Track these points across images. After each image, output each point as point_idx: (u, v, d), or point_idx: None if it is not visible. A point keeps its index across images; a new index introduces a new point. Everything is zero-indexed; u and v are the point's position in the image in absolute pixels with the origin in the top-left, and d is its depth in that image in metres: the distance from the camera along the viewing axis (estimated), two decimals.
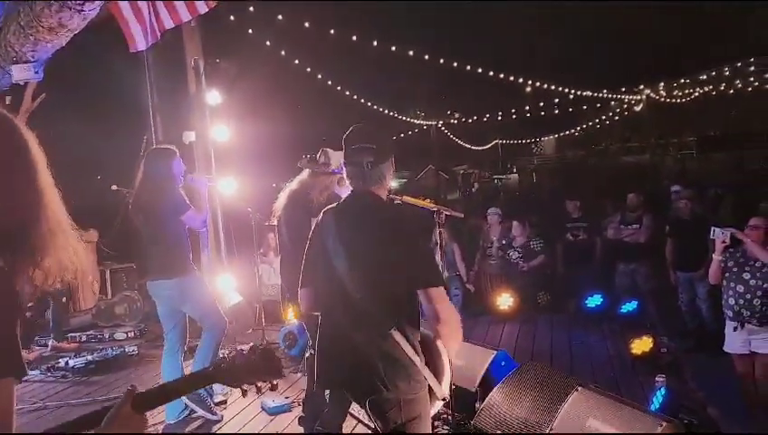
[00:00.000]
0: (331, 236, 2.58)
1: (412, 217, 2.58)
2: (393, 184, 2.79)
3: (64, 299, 7.37)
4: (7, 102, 4.95)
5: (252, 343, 1.69)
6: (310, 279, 2.68)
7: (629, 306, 6.98)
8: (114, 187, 7.20)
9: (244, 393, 1.86)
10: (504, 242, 8.38)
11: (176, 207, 4.45)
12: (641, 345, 5.67)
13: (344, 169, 2.63)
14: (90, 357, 6.36)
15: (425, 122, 33.25)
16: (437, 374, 2.48)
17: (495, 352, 4.69)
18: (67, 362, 6.24)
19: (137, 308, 8.32)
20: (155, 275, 4.52)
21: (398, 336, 2.40)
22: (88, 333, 7.66)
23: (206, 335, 4.68)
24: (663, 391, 4.32)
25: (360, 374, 2.42)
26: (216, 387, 5.37)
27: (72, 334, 7.52)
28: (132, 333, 7.75)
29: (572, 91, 24.05)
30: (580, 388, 3.87)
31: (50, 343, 7.17)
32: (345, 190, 2.84)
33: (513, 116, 29.64)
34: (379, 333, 2.39)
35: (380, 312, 2.40)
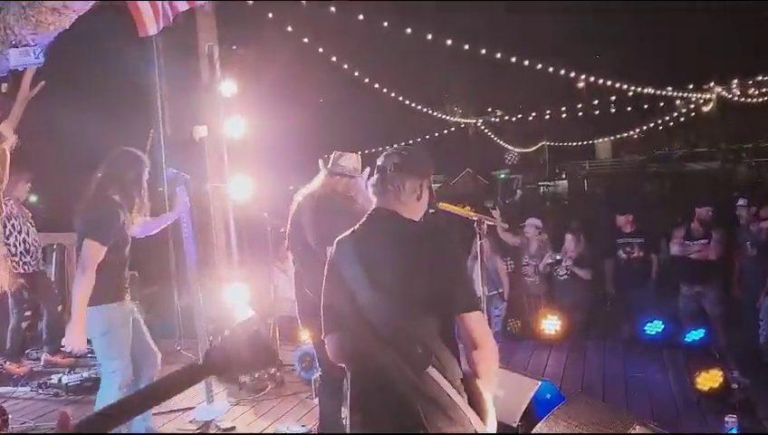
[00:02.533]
0: (351, 267, 2.55)
1: (444, 232, 2.54)
2: None
3: (59, 308, 7.45)
4: (3, 90, 5.05)
5: (234, 329, 1.67)
6: (333, 323, 2.62)
7: (696, 334, 6.85)
8: None
9: (241, 386, 1.84)
10: (555, 259, 8.30)
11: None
12: (709, 380, 5.55)
13: (371, 182, 2.67)
14: (86, 374, 6.41)
15: (462, 120, 33.29)
16: (481, 412, 2.46)
17: (540, 382, 4.63)
18: (60, 379, 6.30)
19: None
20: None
21: (435, 374, 2.40)
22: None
23: (102, 387, 4.52)
24: (734, 433, 4.21)
25: (397, 419, 2.42)
26: (221, 408, 5.39)
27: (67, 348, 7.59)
28: None
29: (632, 88, 23.80)
30: (638, 427, 3.80)
31: (42, 356, 7.25)
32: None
33: (564, 115, 29.47)
34: (416, 372, 2.40)
35: (414, 348, 2.41)
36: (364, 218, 2.66)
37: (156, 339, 4.81)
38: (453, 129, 32.50)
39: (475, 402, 2.47)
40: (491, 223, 3.55)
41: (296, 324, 7.55)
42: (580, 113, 28.98)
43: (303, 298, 4.29)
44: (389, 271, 2.46)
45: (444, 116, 30.12)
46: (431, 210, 3.64)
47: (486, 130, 34.42)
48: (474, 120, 33.94)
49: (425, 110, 25.68)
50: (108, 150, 4.72)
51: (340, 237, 2.67)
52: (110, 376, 4.42)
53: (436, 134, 31.65)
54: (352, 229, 2.66)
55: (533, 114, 30.02)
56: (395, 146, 2.74)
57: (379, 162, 2.66)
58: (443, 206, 3.34)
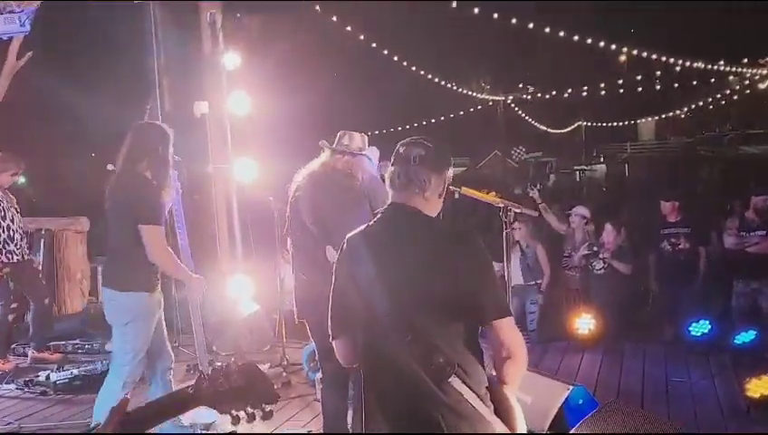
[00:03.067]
0: (364, 266, 2.54)
1: (470, 233, 2.56)
2: (450, 173, 2.78)
3: (47, 301, 7.52)
4: None
5: (228, 362, 1.69)
6: (343, 326, 2.65)
7: (746, 336, 6.78)
8: (111, 166, 7.34)
9: (236, 421, 1.88)
10: (591, 250, 8.27)
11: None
12: (761, 386, 5.51)
13: (388, 170, 2.66)
14: (75, 371, 6.49)
15: (490, 97, 33.12)
16: (509, 421, 2.47)
17: (571, 386, 4.62)
18: (48, 377, 6.37)
19: None
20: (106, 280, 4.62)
21: (458, 384, 2.41)
22: (74, 342, 7.82)
23: (108, 377, 4.63)
24: None
25: (416, 431, 2.44)
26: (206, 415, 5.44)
27: (56, 343, 7.66)
28: None
29: (679, 62, 23.51)
30: None
31: (29, 352, 7.35)
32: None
33: (603, 92, 29.21)
34: (436, 383, 2.41)
35: (435, 358, 2.41)
36: (379, 214, 2.65)
37: None
38: (480, 106, 32.34)
39: (503, 411, 2.48)
40: (518, 210, 3.54)
41: None
42: (621, 90, 28.69)
43: (299, 283, 4.33)
44: (410, 273, 2.46)
45: (470, 93, 29.94)
46: (456, 194, 3.64)
47: (517, 109, 34.19)
48: (503, 98, 33.71)
49: (449, 85, 25.53)
50: (101, 128, 4.75)
51: (350, 235, 2.66)
52: (118, 370, 4.52)
53: (461, 112, 31.51)
54: (365, 226, 2.65)
55: (569, 91, 29.75)
56: (414, 131, 2.71)
57: (401, 152, 2.62)
58: (465, 191, 3.34)
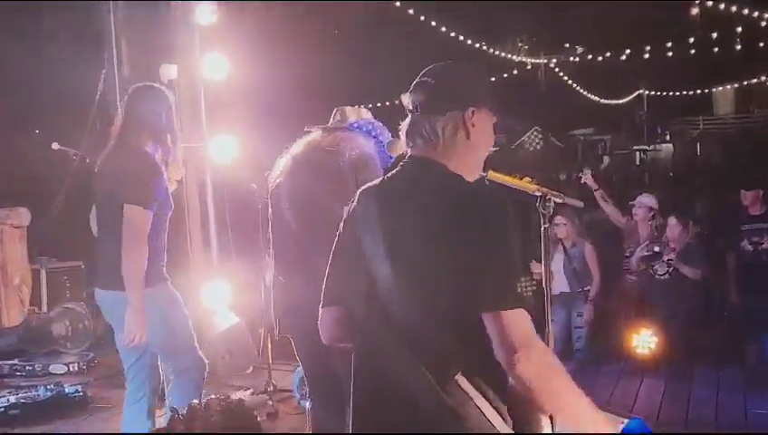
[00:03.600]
0: (371, 227, 2.57)
1: (496, 196, 2.53)
2: None
3: None
4: None
5: (212, 396, 1.70)
6: (336, 294, 2.70)
7: None
8: (56, 145, 7.36)
9: None
10: (652, 251, 8.25)
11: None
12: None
13: (402, 126, 2.67)
14: (12, 398, 6.50)
15: (529, 60, 33.01)
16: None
17: (626, 419, 4.62)
18: None
19: (84, 328, 8.51)
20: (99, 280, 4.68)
21: (466, 385, 2.39)
22: (11, 362, 7.87)
23: (175, 383, 4.76)
24: None
25: (408, 431, 2.45)
26: None
27: None
28: (76, 366, 7.93)
29: (765, 16, 23.34)
30: None
31: None
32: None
33: (670, 53, 29.06)
34: (439, 379, 2.39)
35: (441, 346, 2.41)
36: (398, 167, 2.67)
37: (105, 353, 4.91)
38: (516, 71, 32.21)
39: (525, 425, 2.48)
40: (559, 200, 3.52)
41: None
42: (693, 51, 28.54)
43: (277, 288, 4.39)
44: (417, 240, 2.46)
45: (504, 54, 29.88)
46: (484, 182, 3.62)
47: (562, 74, 34.06)
48: (544, 60, 33.60)
49: (477, 45, 25.47)
50: (44, 100, 4.79)
51: (364, 187, 2.71)
52: (184, 375, 4.73)
53: (493, 79, 31.42)
54: (381, 178, 2.69)
55: (627, 52, 29.60)
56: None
57: (404, 102, 2.63)
58: (492, 175, 3.32)
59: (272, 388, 6.71)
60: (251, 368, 7.47)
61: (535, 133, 35.57)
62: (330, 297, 2.72)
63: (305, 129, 4.44)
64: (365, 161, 4.08)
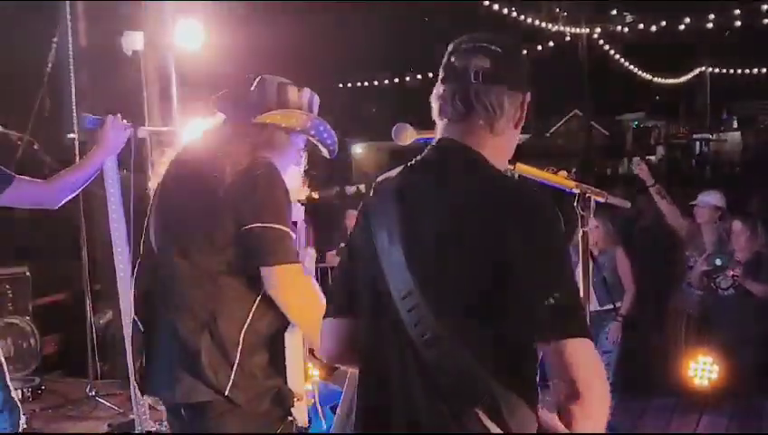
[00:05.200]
0: (387, 224, 2.56)
1: (548, 202, 2.49)
2: None
3: None
4: None
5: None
6: (341, 302, 2.71)
7: None
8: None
9: None
10: (713, 265, 8.22)
11: None
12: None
13: (437, 95, 2.63)
14: None
15: (568, 29, 32.98)
16: None
17: None
18: None
19: (29, 348, 8.51)
20: None
21: (485, 418, 2.37)
22: None
23: None
24: None
25: None
26: None
27: None
28: (19, 393, 7.92)
29: None
30: None
31: None
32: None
33: (738, 22, 29.04)
34: (455, 411, 2.39)
35: (464, 372, 2.39)
36: (425, 152, 2.66)
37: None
38: (551, 43, 32.25)
39: None
40: (601, 200, 3.50)
41: None
42: (766, 21, 28.50)
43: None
44: (442, 245, 2.45)
45: (538, 23, 29.91)
46: (513, 175, 3.59)
47: (607, 47, 34.06)
48: (586, 30, 33.55)
49: (505, 11, 25.51)
50: None
51: (382, 178, 2.71)
52: None
53: (525, 52, 31.36)
54: (404, 166, 2.67)
55: (687, 21, 29.60)
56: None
57: (454, 63, 2.59)
58: (521, 168, 3.30)
59: None
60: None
61: (574, 118, 35.62)
62: (333, 307, 2.74)
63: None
64: (248, 197, 3.62)
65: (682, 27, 29.93)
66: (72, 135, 7.31)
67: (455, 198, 2.49)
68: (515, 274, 2.34)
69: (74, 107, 7.19)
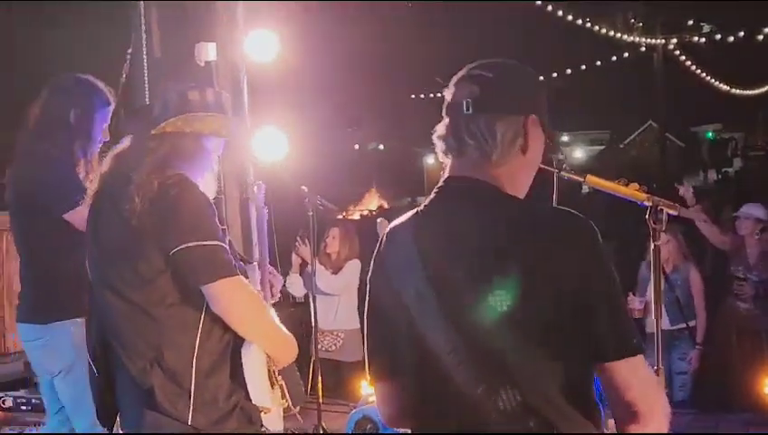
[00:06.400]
0: (410, 276, 2.46)
1: (585, 225, 2.42)
2: (578, 154, 2.74)
3: None
4: None
5: None
6: (386, 365, 2.62)
7: None
8: None
9: None
10: None
11: (62, 195, 4.73)
12: None
13: (438, 133, 2.58)
14: None
15: (643, 39, 32.69)
16: None
17: None
18: None
19: None
20: (23, 313, 4.96)
21: None
22: (16, 394, 7.98)
23: None
24: None
25: None
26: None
27: None
28: None
29: None
30: None
31: None
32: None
33: None
34: None
35: (524, 418, 2.34)
36: (433, 195, 2.56)
37: None
38: (627, 54, 31.98)
39: None
40: (674, 213, 3.48)
41: (350, 368, 7.56)
42: None
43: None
44: (483, 293, 2.34)
45: (613, 33, 29.66)
46: (584, 188, 3.57)
47: (684, 58, 33.68)
48: (662, 41, 33.21)
49: (579, 22, 25.35)
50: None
51: (393, 225, 2.62)
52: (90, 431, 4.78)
53: (599, 63, 31.25)
54: (415, 212, 2.58)
55: (765, 31, 29.15)
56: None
57: (447, 97, 2.54)
58: (591, 181, 3.29)
59: (321, 431, 6.72)
60: (298, 408, 7.48)
61: (649, 129, 35.24)
62: (378, 371, 2.67)
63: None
64: (161, 222, 3.50)
65: (760, 37, 29.49)
66: None
67: (482, 237, 2.41)
68: (568, 305, 2.31)
69: None
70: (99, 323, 3.76)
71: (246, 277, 3.68)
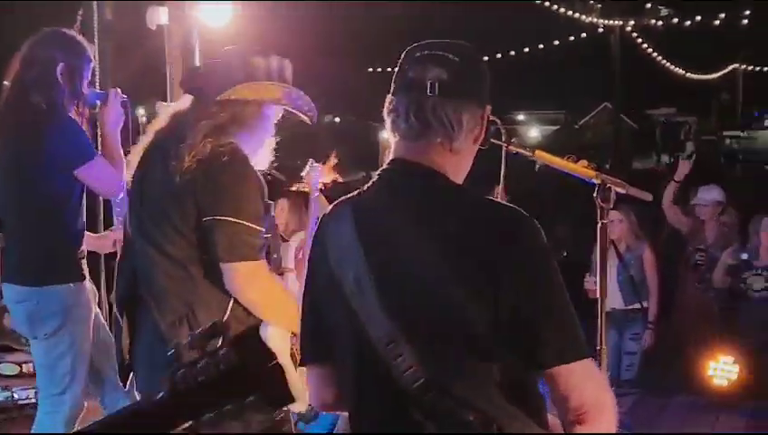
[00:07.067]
0: (349, 259, 2.41)
1: (528, 220, 2.37)
2: (533, 133, 2.72)
3: None
4: None
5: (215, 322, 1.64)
6: (317, 348, 2.57)
7: None
8: None
9: None
10: (739, 258, 8.17)
11: (69, 150, 4.69)
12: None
13: (389, 108, 2.47)
14: None
15: (602, 21, 32.78)
16: None
17: None
18: None
19: None
20: (9, 273, 4.86)
21: None
22: None
23: (41, 416, 4.89)
24: None
25: None
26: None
27: None
28: (32, 367, 7.92)
29: None
30: None
31: None
32: None
33: None
34: None
35: (462, 415, 2.28)
36: (378, 177, 2.49)
37: None
38: (584, 35, 32.07)
39: None
40: (622, 191, 3.48)
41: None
42: None
43: None
44: (420, 280, 2.31)
45: (572, 13, 29.70)
46: (536, 166, 3.56)
47: (641, 41, 33.80)
48: (620, 23, 33.31)
49: (539, 1, 25.39)
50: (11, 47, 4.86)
51: (335, 205, 2.55)
52: (55, 402, 4.75)
53: (556, 43, 31.31)
54: (358, 193, 2.51)
55: (722, 16, 29.36)
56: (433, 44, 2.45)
57: (408, 73, 2.42)
58: (541, 156, 3.28)
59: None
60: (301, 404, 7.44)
61: (604, 111, 35.44)
62: (308, 354, 2.60)
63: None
64: (211, 183, 3.59)
65: (717, 23, 29.70)
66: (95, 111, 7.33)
67: (426, 230, 2.35)
68: (510, 305, 2.26)
69: (98, 81, 7.23)
70: (132, 277, 3.76)
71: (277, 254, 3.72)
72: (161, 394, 1.56)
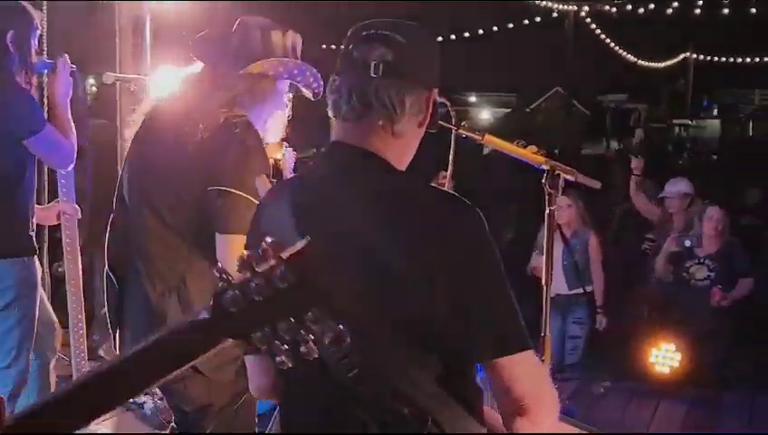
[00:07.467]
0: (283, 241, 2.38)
1: (469, 209, 2.33)
2: (484, 115, 2.69)
3: None
4: None
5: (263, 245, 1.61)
6: None
7: None
8: None
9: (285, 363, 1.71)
10: (683, 245, 8.24)
11: (19, 120, 4.65)
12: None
13: (331, 88, 2.45)
14: None
15: (556, 5, 32.88)
16: None
17: None
18: None
19: None
20: None
21: None
22: None
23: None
24: None
25: None
26: None
27: None
28: None
29: None
30: None
31: None
32: None
33: (726, 10, 29.03)
34: None
35: (397, 409, 2.27)
36: (317, 162, 2.54)
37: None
38: (538, 19, 32.12)
39: None
40: (570, 178, 3.47)
41: None
42: (755, 9, 28.48)
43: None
44: (355, 268, 2.25)
45: None
46: (484, 149, 3.55)
47: (594, 26, 33.93)
48: (574, 8, 33.41)
49: None
50: None
51: (274, 187, 2.61)
52: (1, 375, 4.75)
53: (510, 26, 31.33)
54: (298, 177, 2.57)
55: (675, 5, 29.52)
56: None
57: (352, 53, 2.37)
58: (490, 140, 3.26)
59: None
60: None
61: (555, 95, 35.55)
62: None
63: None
64: (220, 157, 3.58)
65: (669, 11, 29.89)
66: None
67: (365, 216, 2.32)
68: (448, 296, 2.22)
69: (45, 51, 7.13)
70: (126, 243, 3.75)
71: None
72: (203, 314, 1.54)
